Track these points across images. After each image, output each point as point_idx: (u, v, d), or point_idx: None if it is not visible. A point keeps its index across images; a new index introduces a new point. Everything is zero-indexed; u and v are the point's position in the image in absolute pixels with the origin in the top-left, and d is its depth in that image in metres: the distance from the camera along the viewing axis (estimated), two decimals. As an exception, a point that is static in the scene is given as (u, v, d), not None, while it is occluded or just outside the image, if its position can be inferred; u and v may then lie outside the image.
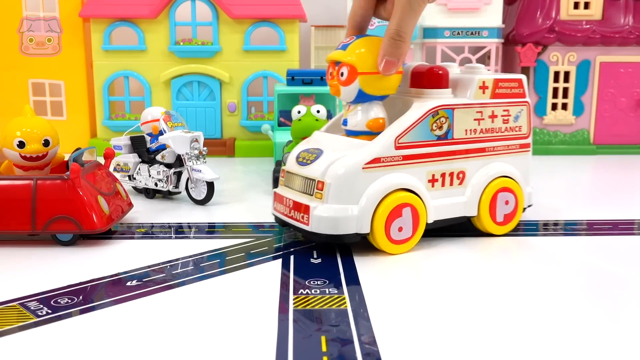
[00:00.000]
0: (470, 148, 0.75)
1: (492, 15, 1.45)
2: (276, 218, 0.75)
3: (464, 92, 0.74)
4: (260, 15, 1.37)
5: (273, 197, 0.75)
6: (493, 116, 0.76)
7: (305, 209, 0.67)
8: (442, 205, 0.73)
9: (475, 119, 0.74)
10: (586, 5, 1.44)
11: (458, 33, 1.45)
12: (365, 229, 0.67)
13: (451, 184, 0.74)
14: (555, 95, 1.48)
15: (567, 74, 1.47)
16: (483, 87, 0.75)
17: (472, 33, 1.45)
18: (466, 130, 0.73)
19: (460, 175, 0.74)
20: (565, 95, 1.48)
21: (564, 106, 1.48)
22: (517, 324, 0.52)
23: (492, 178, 0.76)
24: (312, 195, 0.68)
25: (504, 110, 0.77)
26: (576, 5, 1.44)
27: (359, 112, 0.70)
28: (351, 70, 0.67)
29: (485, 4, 1.44)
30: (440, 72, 0.73)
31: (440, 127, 0.71)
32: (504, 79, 0.77)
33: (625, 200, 1.00)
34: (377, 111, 0.70)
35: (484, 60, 1.51)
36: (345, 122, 0.72)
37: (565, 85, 1.47)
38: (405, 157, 0.69)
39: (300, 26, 1.44)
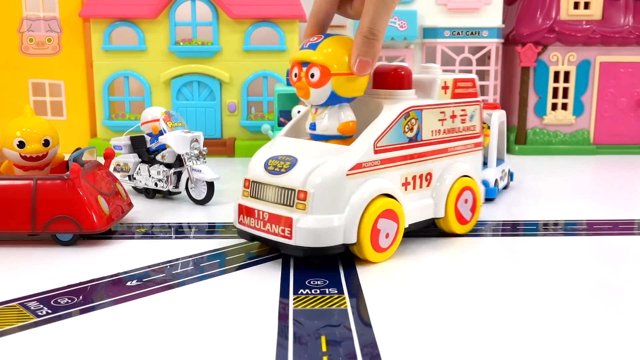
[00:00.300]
0: (436, 149, 0.73)
1: (492, 15, 1.45)
2: (241, 232, 0.69)
3: (428, 93, 0.72)
4: (260, 15, 1.37)
5: (236, 210, 0.69)
6: (453, 116, 0.75)
7: (287, 222, 0.63)
8: (415, 208, 0.72)
9: (439, 120, 0.73)
10: (586, 5, 1.44)
11: (458, 33, 1.45)
12: (352, 239, 0.64)
13: (421, 186, 0.72)
14: (555, 95, 1.48)
15: (567, 74, 1.47)
16: (445, 87, 0.74)
17: (472, 33, 1.45)
18: (432, 131, 0.72)
19: (428, 177, 0.73)
20: (565, 95, 1.48)
21: (564, 106, 1.48)
22: (517, 324, 0.52)
23: (456, 178, 0.76)
24: (291, 206, 0.63)
25: (462, 110, 0.76)
26: (576, 5, 1.44)
27: (328, 116, 0.66)
28: (323, 71, 0.63)
29: (485, 4, 1.44)
30: (403, 72, 0.71)
31: (411, 129, 0.69)
32: (462, 78, 0.76)
33: (625, 200, 1.00)
34: (347, 114, 0.67)
35: (484, 60, 1.51)
36: (313, 126, 0.67)
37: (565, 85, 1.47)
38: (383, 161, 0.67)
39: (300, 26, 1.44)
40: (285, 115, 1.23)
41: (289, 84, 1.12)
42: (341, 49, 0.64)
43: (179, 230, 0.81)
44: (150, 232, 0.80)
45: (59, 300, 0.57)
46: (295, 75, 0.65)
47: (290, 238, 0.62)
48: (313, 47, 0.64)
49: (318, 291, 0.59)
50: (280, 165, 0.65)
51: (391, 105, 0.68)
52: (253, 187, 0.67)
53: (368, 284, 0.61)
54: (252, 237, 0.68)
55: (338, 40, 0.64)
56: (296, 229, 0.62)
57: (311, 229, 0.62)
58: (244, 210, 0.68)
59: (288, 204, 0.63)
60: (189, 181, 0.95)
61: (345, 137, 0.67)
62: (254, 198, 0.67)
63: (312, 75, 0.63)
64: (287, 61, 1.39)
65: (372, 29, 0.62)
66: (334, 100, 0.65)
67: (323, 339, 0.49)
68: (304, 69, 0.64)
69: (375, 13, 0.62)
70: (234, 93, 1.41)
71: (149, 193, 0.99)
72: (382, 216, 0.66)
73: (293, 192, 0.63)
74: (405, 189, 0.71)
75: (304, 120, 0.72)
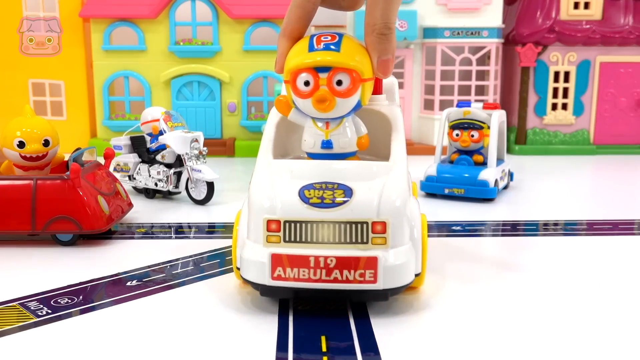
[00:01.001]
0: None
1: (492, 15, 1.45)
2: (278, 290, 0.53)
3: (392, 97, 0.65)
4: (260, 15, 1.37)
5: (269, 262, 0.52)
6: None
7: (369, 263, 0.50)
8: None
9: None
10: (586, 5, 1.44)
11: (458, 33, 1.45)
12: (419, 268, 0.55)
13: None
14: (555, 95, 1.48)
15: (567, 74, 1.47)
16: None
17: (472, 33, 1.45)
18: None
19: None
20: (565, 95, 1.48)
21: (564, 106, 1.48)
22: (517, 324, 0.52)
23: None
24: (365, 242, 0.51)
25: None
26: (576, 5, 1.44)
27: (347, 129, 0.55)
28: (354, 78, 0.52)
29: (485, 4, 1.44)
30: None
31: None
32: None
33: (625, 200, 1.00)
34: (363, 125, 0.57)
35: (484, 60, 1.51)
36: (327, 144, 0.55)
37: (565, 85, 1.47)
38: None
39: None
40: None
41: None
42: (362, 48, 0.54)
43: (179, 230, 0.81)
44: (150, 232, 0.80)
45: (59, 300, 0.57)
46: (307, 84, 0.52)
47: (374, 282, 0.51)
48: (334, 48, 0.52)
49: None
50: (329, 195, 0.52)
51: (394, 111, 0.61)
52: (289, 230, 0.52)
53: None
54: (296, 293, 0.53)
55: (352, 38, 0.55)
56: (383, 269, 0.51)
57: (399, 265, 0.52)
58: (285, 261, 0.51)
59: (360, 240, 0.51)
60: (189, 181, 0.95)
61: (354, 154, 0.57)
62: (295, 242, 0.52)
63: (340, 83, 0.52)
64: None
65: (387, 23, 0.53)
66: (353, 111, 0.55)
67: (323, 339, 0.49)
68: (322, 75, 0.52)
69: (386, 4, 0.54)
70: (234, 93, 1.41)
71: (149, 193, 0.99)
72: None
73: (365, 225, 0.51)
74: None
75: (286, 134, 0.62)
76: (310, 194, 0.53)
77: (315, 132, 0.55)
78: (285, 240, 0.52)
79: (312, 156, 0.56)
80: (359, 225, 0.51)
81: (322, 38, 0.53)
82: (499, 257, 0.71)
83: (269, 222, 0.52)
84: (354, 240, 0.51)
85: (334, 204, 0.52)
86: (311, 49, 0.52)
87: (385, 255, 0.51)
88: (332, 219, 0.51)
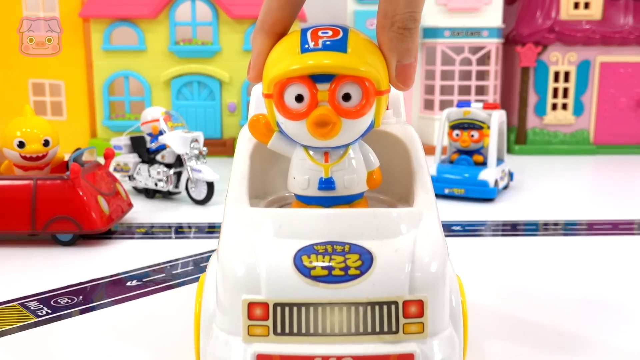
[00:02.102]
0: None
1: (492, 15, 1.45)
2: None
3: (398, 113, 0.50)
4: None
5: None
6: None
7: None
8: None
9: None
10: (586, 5, 1.44)
11: (458, 33, 1.45)
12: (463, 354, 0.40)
13: None
14: (555, 95, 1.48)
15: (567, 74, 1.47)
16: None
17: (472, 33, 1.45)
18: None
19: None
20: (565, 95, 1.48)
21: (564, 106, 1.48)
22: (517, 324, 0.52)
23: None
24: (395, 332, 0.35)
25: None
26: (576, 5, 1.44)
27: (354, 162, 0.40)
28: (367, 89, 0.37)
29: (485, 4, 1.44)
30: None
31: None
32: None
33: (625, 200, 1.00)
34: (373, 154, 0.42)
35: (484, 60, 1.51)
36: (328, 184, 0.39)
37: (565, 85, 1.47)
38: None
39: (299, 26, 1.44)
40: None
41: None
42: (375, 48, 0.38)
43: (179, 230, 0.81)
44: (150, 232, 0.80)
45: (59, 300, 0.57)
46: (299, 98, 0.37)
47: None
48: (339, 47, 0.37)
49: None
50: (339, 262, 0.36)
51: (403, 130, 0.46)
52: (282, 317, 0.35)
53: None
54: None
55: (361, 34, 0.39)
56: None
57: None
58: None
59: (387, 329, 0.35)
60: (189, 181, 0.95)
61: (362, 195, 0.41)
62: (291, 336, 0.35)
63: (347, 97, 0.37)
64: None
65: (413, 13, 0.37)
66: (362, 136, 0.40)
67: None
68: (322, 87, 0.37)
69: None
70: (234, 93, 1.41)
71: (149, 193, 0.99)
72: None
73: (393, 307, 0.35)
74: None
75: (264, 167, 0.46)
76: (310, 262, 0.36)
77: (309, 166, 0.40)
78: (276, 333, 0.35)
79: (306, 200, 0.41)
80: (385, 307, 0.36)
81: (319, 33, 0.38)
82: (499, 257, 0.71)
83: (251, 305, 0.35)
84: (378, 329, 0.35)
85: (347, 277, 0.35)
86: (305, 48, 0.37)
87: (425, 349, 0.35)
88: (345, 299, 0.35)
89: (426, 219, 0.40)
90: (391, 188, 0.46)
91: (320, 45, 0.37)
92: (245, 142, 0.45)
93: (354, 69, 0.36)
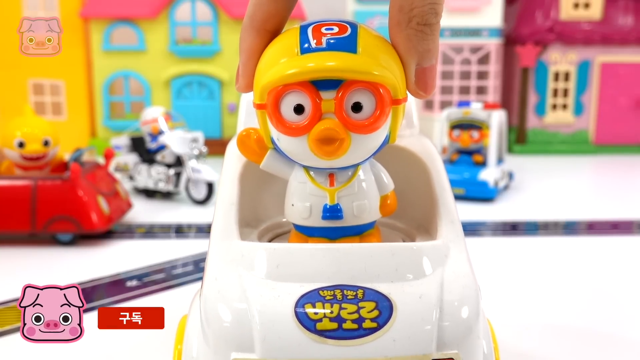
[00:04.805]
0: None
1: (492, 15, 1.45)
2: None
3: (410, 123, 0.43)
4: (260, 15, 1.37)
5: None
6: None
7: None
8: None
9: None
10: (586, 5, 1.44)
11: (458, 33, 1.45)
12: None
13: None
14: (555, 95, 1.48)
15: (567, 74, 1.47)
16: None
17: (472, 33, 1.45)
18: None
19: None
20: (565, 95, 1.48)
21: (564, 106, 1.48)
22: (517, 323, 0.52)
23: None
24: None
25: None
26: (576, 5, 1.44)
27: (364, 185, 0.34)
28: (384, 98, 0.31)
29: (485, 4, 1.44)
30: None
31: None
32: None
33: (625, 200, 1.00)
34: (387, 175, 0.35)
35: (484, 60, 1.51)
36: (335, 212, 0.33)
37: (565, 85, 1.47)
38: None
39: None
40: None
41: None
42: (390, 48, 0.32)
43: (179, 230, 0.81)
44: (150, 232, 0.80)
45: (59, 300, 0.57)
46: (298, 109, 0.31)
47: None
48: (347, 46, 0.31)
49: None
50: (351, 312, 0.29)
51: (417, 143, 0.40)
52: None
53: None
54: None
55: (372, 31, 0.32)
56: None
57: None
58: None
59: None
60: (189, 181, 0.95)
61: (374, 224, 0.35)
62: None
63: (357, 107, 0.31)
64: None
65: (434, 7, 0.31)
66: (374, 154, 0.33)
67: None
68: (327, 95, 0.30)
69: None
70: (234, 93, 1.41)
71: (149, 193, 0.99)
72: None
73: None
74: None
75: (254, 190, 0.40)
76: (316, 312, 0.29)
77: (311, 191, 0.33)
78: None
79: (307, 232, 0.34)
80: None
81: (323, 30, 0.31)
82: (499, 257, 0.71)
83: None
84: None
85: (361, 331, 0.29)
86: (305, 48, 0.31)
87: None
88: (359, 359, 0.29)
89: (453, 255, 0.33)
90: (407, 213, 0.38)
91: (324, 44, 0.30)
92: (233, 161, 0.38)
93: (365, 73, 0.30)
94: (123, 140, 1.03)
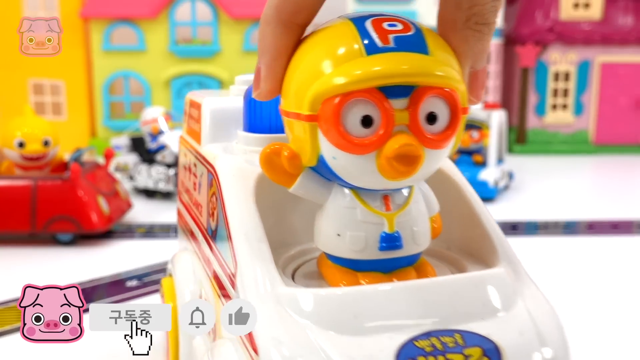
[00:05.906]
0: None
1: (492, 15, 1.45)
2: None
3: None
4: (260, 15, 1.37)
5: None
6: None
7: None
8: None
9: None
10: (586, 6, 1.44)
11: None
12: None
13: None
14: (555, 95, 1.48)
15: (567, 74, 1.47)
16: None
17: (472, 33, 1.45)
18: None
19: None
20: (565, 96, 1.48)
21: (564, 106, 1.48)
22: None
23: None
24: None
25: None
26: (576, 5, 1.44)
27: (419, 207, 0.29)
28: (457, 106, 0.27)
29: (485, 4, 1.44)
30: None
31: None
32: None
33: (625, 200, 1.00)
34: (432, 194, 0.31)
35: (484, 60, 1.51)
36: (397, 242, 0.28)
37: (565, 85, 1.47)
38: None
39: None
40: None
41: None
42: (450, 49, 0.28)
43: (179, 230, 0.81)
44: (150, 232, 0.80)
45: (59, 300, 0.57)
46: (367, 121, 0.26)
47: None
48: (418, 46, 0.26)
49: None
50: None
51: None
52: None
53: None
54: None
55: (432, 30, 0.28)
56: None
57: None
58: None
59: None
60: (189, 181, 0.95)
61: (420, 254, 0.30)
62: None
63: (432, 118, 0.26)
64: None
65: (497, 4, 0.28)
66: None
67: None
68: (398, 103, 0.26)
69: None
70: (234, 93, 1.41)
71: (149, 193, 0.99)
72: None
73: None
74: None
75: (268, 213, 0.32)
76: None
77: (364, 217, 0.28)
78: None
79: (356, 265, 0.29)
80: None
81: (385, 25, 0.26)
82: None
83: None
84: None
85: None
86: (371, 47, 0.26)
87: None
88: None
89: (521, 279, 0.30)
90: (443, 237, 0.33)
91: (392, 43, 0.25)
92: (237, 182, 0.31)
93: (443, 78, 0.26)
94: (123, 140, 1.03)
